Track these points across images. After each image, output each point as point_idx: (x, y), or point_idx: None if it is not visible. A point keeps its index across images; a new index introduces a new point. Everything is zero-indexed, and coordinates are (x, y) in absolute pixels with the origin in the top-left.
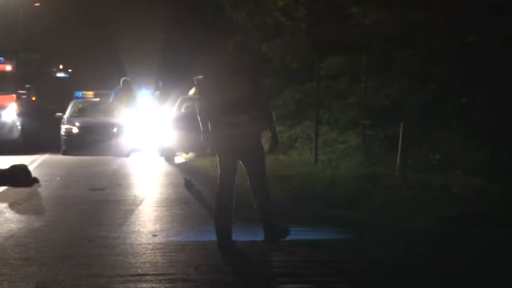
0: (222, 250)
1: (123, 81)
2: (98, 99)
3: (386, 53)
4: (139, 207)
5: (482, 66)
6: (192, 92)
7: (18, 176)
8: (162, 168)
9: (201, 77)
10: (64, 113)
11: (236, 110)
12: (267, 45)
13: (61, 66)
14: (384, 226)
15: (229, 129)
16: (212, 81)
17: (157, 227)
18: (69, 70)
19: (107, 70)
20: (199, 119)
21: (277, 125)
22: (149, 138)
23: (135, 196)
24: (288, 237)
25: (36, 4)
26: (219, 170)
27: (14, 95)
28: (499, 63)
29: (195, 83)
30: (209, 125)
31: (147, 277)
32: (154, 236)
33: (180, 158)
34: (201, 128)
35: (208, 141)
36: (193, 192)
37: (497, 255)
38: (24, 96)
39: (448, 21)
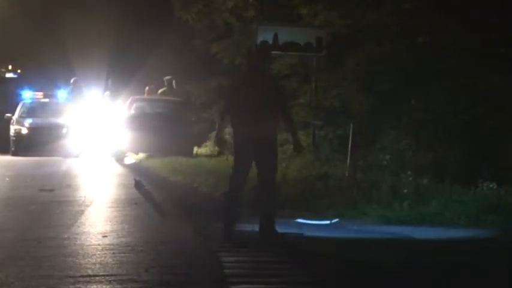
0: (226, 244)
1: (73, 82)
2: (47, 99)
3: (337, 53)
4: (89, 208)
5: (432, 66)
6: (161, 91)
7: None
8: (112, 169)
9: (169, 77)
10: (13, 113)
11: (256, 110)
12: (217, 46)
13: (10, 67)
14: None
15: (248, 129)
16: (234, 83)
17: (108, 227)
18: (18, 70)
19: (57, 70)
20: (217, 118)
21: (229, 126)
22: (99, 138)
23: (85, 197)
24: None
25: None
26: (232, 168)
27: None
28: (450, 64)
29: (166, 83)
30: (225, 125)
31: (97, 278)
32: (105, 236)
33: (130, 159)
34: (217, 128)
35: (221, 140)
36: (144, 193)
37: (442, 257)
38: None
39: (398, 22)
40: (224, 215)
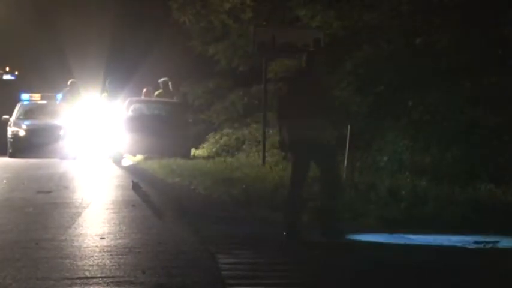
0: (289, 243)
1: (71, 83)
2: (45, 101)
3: (334, 55)
4: (87, 210)
5: (430, 67)
6: (157, 93)
7: None
8: (110, 170)
9: (165, 79)
10: (11, 115)
11: (311, 112)
12: (215, 47)
13: (7, 68)
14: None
15: (301, 129)
16: (290, 87)
17: (105, 229)
18: (16, 72)
19: (54, 72)
20: (277, 122)
21: (230, 128)
22: (97, 140)
23: (82, 199)
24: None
25: None
26: (292, 169)
27: None
28: (448, 65)
29: (161, 85)
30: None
31: (95, 280)
32: (102, 238)
33: (128, 161)
34: (279, 131)
35: (284, 143)
36: (141, 195)
37: (440, 259)
38: None
39: (396, 23)
40: (286, 215)
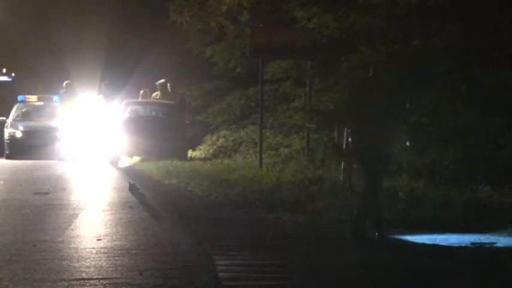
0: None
1: (66, 85)
2: (41, 103)
3: (331, 57)
4: (84, 212)
5: (427, 70)
6: (154, 95)
7: None
8: (107, 172)
9: (163, 80)
10: (7, 117)
11: (368, 119)
12: (212, 49)
13: (4, 70)
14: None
15: (360, 136)
16: (354, 95)
17: (102, 231)
18: (13, 74)
19: (51, 73)
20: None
21: (227, 129)
22: (94, 142)
23: (79, 200)
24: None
25: None
26: (365, 177)
27: None
28: (444, 67)
29: (159, 87)
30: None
31: (92, 281)
32: (99, 240)
33: (125, 162)
34: (338, 137)
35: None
36: (138, 196)
37: (437, 260)
38: None
39: (392, 25)
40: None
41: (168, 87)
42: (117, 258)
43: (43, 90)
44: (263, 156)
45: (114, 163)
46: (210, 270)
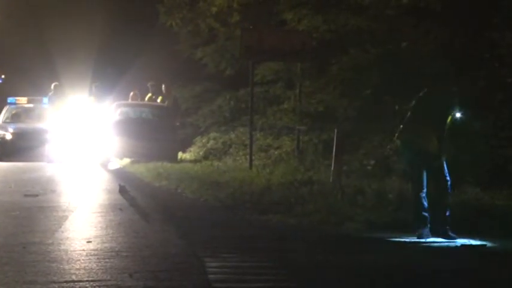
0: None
1: (54, 87)
2: (31, 105)
3: (321, 59)
4: (74, 214)
5: (416, 71)
6: (147, 97)
7: None
8: (97, 174)
9: (152, 82)
10: None
11: (414, 119)
12: (202, 51)
13: None
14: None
15: (406, 136)
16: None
17: (92, 233)
18: (2, 76)
19: (41, 75)
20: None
21: (217, 131)
22: (84, 144)
23: (69, 202)
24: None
25: None
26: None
27: None
28: (434, 69)
29: (150, 89)
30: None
31: (82, 283)
32: (89, 242)
33: (115, 164)
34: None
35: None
36: (128, 198)
37: (427, 262)
38: None
39: (382, 27)
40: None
41: (163, 89)
42: (107, 260)
43: (33, 92)
44: (253, 158)
45: (104, 165)
46: (201, 272)
